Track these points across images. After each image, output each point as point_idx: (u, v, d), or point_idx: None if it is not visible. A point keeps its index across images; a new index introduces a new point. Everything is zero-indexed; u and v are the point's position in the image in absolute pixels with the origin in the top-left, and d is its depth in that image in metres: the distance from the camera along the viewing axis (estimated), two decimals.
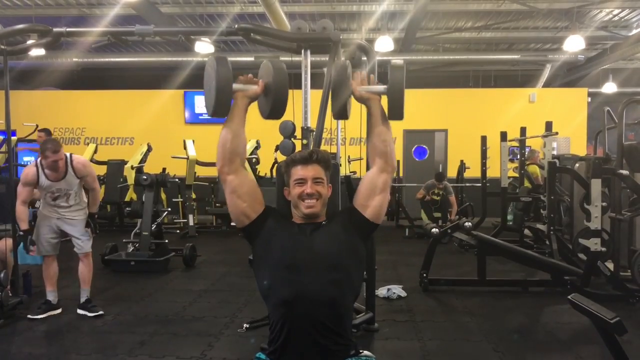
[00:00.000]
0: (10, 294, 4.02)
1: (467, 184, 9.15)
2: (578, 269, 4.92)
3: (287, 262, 1.81)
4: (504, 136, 7.47)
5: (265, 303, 1.86)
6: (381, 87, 1.93)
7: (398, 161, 9.82)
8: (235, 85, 1.90)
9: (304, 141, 3.56)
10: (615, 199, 4.99)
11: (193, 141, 8.91)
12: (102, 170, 9.15)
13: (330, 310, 1.77)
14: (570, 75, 11.54)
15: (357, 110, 3.80)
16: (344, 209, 2.07)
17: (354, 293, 1.89)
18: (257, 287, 1.92)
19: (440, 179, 8.22)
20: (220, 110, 1.88)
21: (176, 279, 5.47)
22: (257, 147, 8.43)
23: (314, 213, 1.90)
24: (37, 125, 8.83)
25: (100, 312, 4.14)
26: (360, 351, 1.85)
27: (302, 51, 3.71)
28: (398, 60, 1.93)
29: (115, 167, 8.97)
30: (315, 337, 1.74)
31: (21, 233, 4.02)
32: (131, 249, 6.09)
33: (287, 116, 3.64)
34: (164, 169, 8.19)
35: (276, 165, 6.62)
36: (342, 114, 2.02)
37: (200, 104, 11.17)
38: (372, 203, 1.92)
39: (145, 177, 6.10)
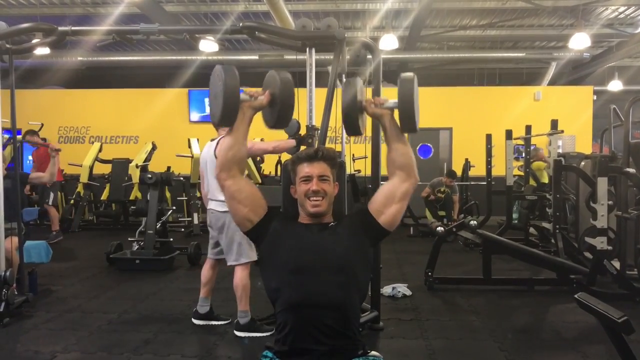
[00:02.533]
0: (16, 292, 4.04)
1: (472, 183, 9.12)
2: (584, 268, 4.90)
3: (294, 265, 1.81)
4: (509, 134, 7.45)
5: (272, 306, 1.86)
6: (392, 102, 1.90)
7: None
8: (241, 96, 1.89)
9: (309, 140, 3.56)
10: (622, 197, 4.97)
11: (198, 140, 8.90)
12: (106, 169, 9.18)
13: (338, 312, 1.76)
14: (576, 73, 11.49)
15: None
16: (356, 211, 2.05)
17: (360, 295, 1.88)
18: (262, 286, 1.92)
19: (453, 176, 8.21)
20: (227, 119, 1.87)
21: (181, 277, 5.48)
22: None
23: (320, 211, 1.89)
24: (42, 124, 8.88)
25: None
26: (369, 351, 1.85)
27: (307, 49, 3.70)
28: (408, 73, 1.90)
29: (120, 165, 8.99)
30: (322, 339, 1.74)
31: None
32: (136, 248, 6.10)
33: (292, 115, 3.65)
34: (168, 168, 8.19)
35: (281, 163, 6.62)
36: (355, 130, 1.99)
37: (203, 102, 11.18)
38: (388, 210, 1.90)
39: (149, 176, 6.10)
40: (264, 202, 1.96)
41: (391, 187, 1.92)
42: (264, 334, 3.60)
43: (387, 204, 1.91)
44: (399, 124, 1.90)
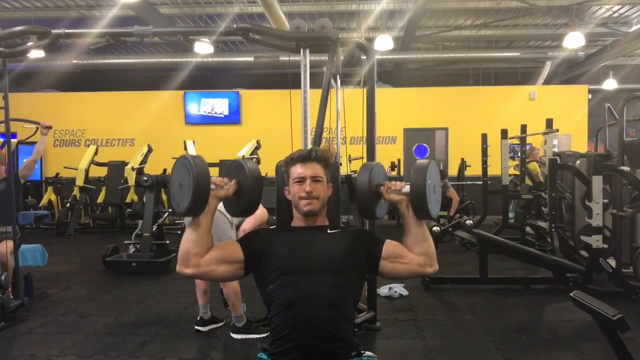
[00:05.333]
0: (12, 297, 4.02)
1: (468, 182, 9.14)
2: (580, 266, 4.91)
3: (288, 266, 1.80)
4: (504, 134, 7.46)
5: (268, 309, 1.85)
6: (407, 189, 1.85)
7: (398, 160, 9.82)
8: None
9: None
10: (617, 195, 4.98)
11: (193, 142, 8.91)
12: (102, 171, 9.16)
13: (332, 312, 1.76)
14: (571, 72, 11.54)
15: (358, 108, 3.82)
16: (369, 233, 2.03)
17: (354, 298, 1.88)
18: (257, 287, 1.91)
19: (442, 177, 8.22)
20: (196, 211, 1.78)
21: (177, 279, 5.46)
22: (257, 147, 8.43)
23: (313, 211, 1.89)
24: (37, 127, 8.85)
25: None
26: (362, 352, 1.84)
27: (301, 50, 3.70)
28: (423, 161, 1.86)
29: (116, 168, 8.98)
30: (317, 340, 1.73)
31: None
32: (132, 250, 6.08)
33: (286, 117, 3.66)
34: (164, 170, 8.19)
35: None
36: (370, 215, 1.96)
37: (199, 104, 11.18)
38: (395, 265, 1.87)
39: (145, 178, 6.09)
40: (234, 245, 1.91)
41: (411, 259, 1.86)
42: (261, 335, 3.59)
43: (400, 260, 1.87)
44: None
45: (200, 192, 1.74)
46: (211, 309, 3.88)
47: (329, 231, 1.92)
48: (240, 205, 1.91)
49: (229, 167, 1.94)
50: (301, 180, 1.89)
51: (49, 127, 4.68)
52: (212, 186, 1.82)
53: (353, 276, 1.85)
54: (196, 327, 3.79)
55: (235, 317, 3.64)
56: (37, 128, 6.93)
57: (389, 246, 1.90)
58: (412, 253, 1.87)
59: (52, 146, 11.35)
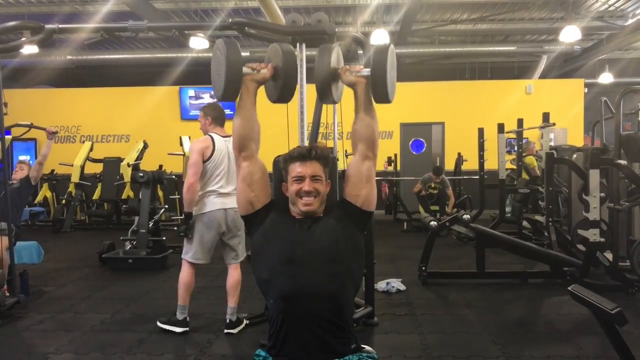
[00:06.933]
0: (7, 294, 4.00)
1: (465, 177, 9.13)
2: (577, 260, 4.92)
3: (286, 256, 1.79)
4: (501, 128, 7.46)
5: (264, 298, 1.85)
6: (367, 70, 1.90)
7: (395, 155, 9.80)
8: (244, 70, 1.89)
9: None
10: (614, 189, 4.99)
11: (189, 137, 8.86)
12: (98, 168, 9.12)
13: (330, 303, 1.75)
14: (567, 66, 11.53)
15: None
16: (338, 204, 2.05)
17: (354, 286, 1.88)
18: (255, 284, 1.90)
19: (439, 173, 8.22)
20: (230, 94, 1.87)
21: (174, 276, 5.40)
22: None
23: (312, 211, 1.87)
24: (31, 124, 8.81)
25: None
26: (362, 347, 1.84)
27: (297, 45, 3.67)
28: (384, 43, 1.91)
29: (112, 164, 8.94)
30: (315, 331, 1.73)
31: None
32: (129, 247, 6.07)
33: (282, 112, 3.63)
34: (160, 166, 8.15)
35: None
36: (328, 97, 1.99)
37: (195, 100, 11.14)
38: (361, 193, 1.91)
39: (141, 175, 6.06)
40: (270, 190, 1.98)
41: (356, 169, 1.93)
42: (247, 322, 3.73)
43: (358, 186, 1.91)
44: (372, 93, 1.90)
45: (233, 73, 1.83)
46: (209, 305, 3.87)
47: (319, 217, 1.92)
48: (277, 89, 1.97)
49: (268, 53, 2.00)
50: (300, 179, 1.87)
51: (55, 133, 4.72)
52: (249, 70, 1.90)
53: (352, 261, 1.85)
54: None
55: (232, 308, 3.66)
56: (31, 124, 6.92)
57: (346, 189, 1.94)
58: (354, 158, 1.93)
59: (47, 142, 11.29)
